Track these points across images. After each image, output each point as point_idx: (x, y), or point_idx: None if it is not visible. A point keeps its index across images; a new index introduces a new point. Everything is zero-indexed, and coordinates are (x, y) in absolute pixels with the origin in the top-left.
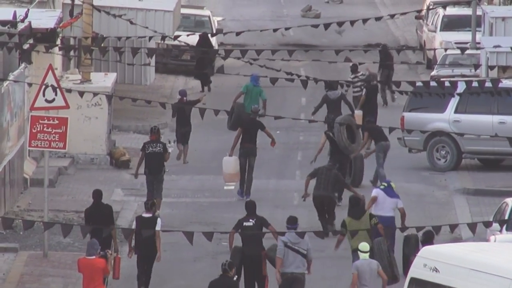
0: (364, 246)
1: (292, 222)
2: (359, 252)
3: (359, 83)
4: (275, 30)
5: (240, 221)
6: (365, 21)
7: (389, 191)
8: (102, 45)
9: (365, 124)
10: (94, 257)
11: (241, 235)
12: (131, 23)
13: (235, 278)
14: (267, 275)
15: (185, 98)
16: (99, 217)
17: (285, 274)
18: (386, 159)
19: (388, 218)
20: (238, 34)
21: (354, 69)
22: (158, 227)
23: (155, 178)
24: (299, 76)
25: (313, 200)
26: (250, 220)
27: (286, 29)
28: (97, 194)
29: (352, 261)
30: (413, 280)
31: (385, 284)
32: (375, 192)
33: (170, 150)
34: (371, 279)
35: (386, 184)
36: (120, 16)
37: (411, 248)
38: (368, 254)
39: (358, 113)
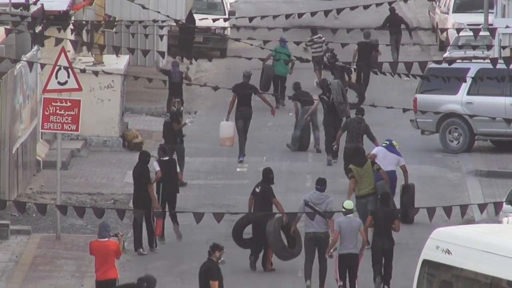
0: (349, 204)
1: (320, 183)
2: (343, 209)
3: (316, 45)
4: (287, 17)
5: (255, 186)
6: (378, 4)
7: (390, 148)
8: (115, 28)
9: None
10: (106, 239)
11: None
12: (143, 7)
13: (220, 260)
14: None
15: (178, 68)
16: (139, 177)
17: (308, 234)
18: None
19: (389, 172)
20: (251, 20)
21: (313, 32)
22: (179, 169)
23: (172, 148)
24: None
25: (345, 152)
26: (259, 186)
27: (299, 15)
28: (140, 155)
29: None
30: (426, 262)
31: (364, 244)
32: (375, 150)
33: (188, 121)
34: (350, 237)
35: (387, 142)
36: (132, 0)
37: (409, 197)
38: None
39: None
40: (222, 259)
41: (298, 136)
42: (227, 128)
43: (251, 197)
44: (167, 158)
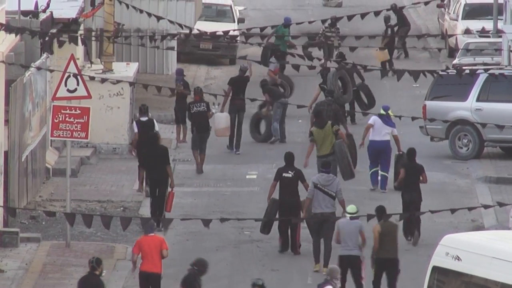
0: (352, 208)
1: (326, 166)
2: (346, 213)
3: (328, 34)
4: (298, 24)
5: (279, 171)
6: (388, 10)
7: (386, 119)
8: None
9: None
10: (152, 234)
11: (280, 185)
12: (158, 18)
13: (103, 274)
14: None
15: (184, 76)
16: (156, 156)
17: (316, 215)
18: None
19: (384, 142)
20: (262, 30)
21: (333, 22)
22: (156, 128)
23: (201, 136)
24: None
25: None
26: (289, 172)
27: (310, 22)
28: (153, 138)
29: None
30: (435, 269)
31: (363, 243)
32: (372, 120)
33: (214, 111)
34: (350, 237)
35: (384, 112)
36: (141, 11)
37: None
38: (355, 214)
39: (384, 51)
40: (104, 271)
41: (277, 128)
42: (224, 118)
43: (274, 183)
44: (145, 118)
